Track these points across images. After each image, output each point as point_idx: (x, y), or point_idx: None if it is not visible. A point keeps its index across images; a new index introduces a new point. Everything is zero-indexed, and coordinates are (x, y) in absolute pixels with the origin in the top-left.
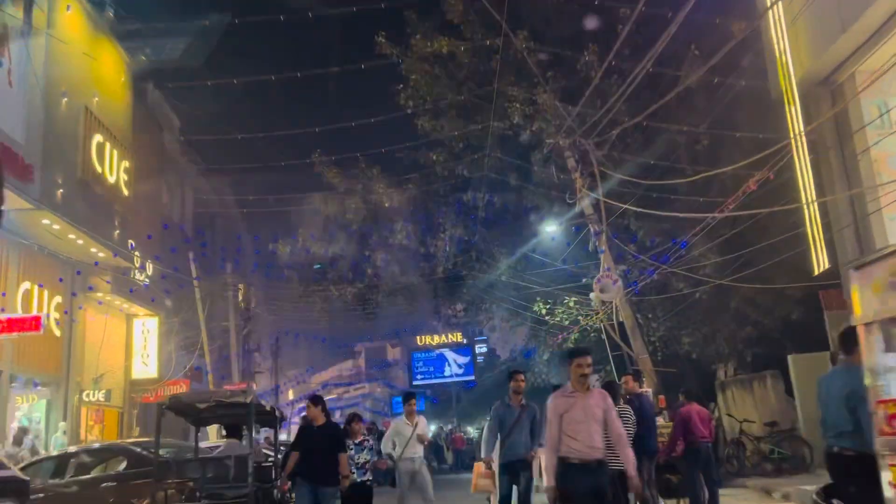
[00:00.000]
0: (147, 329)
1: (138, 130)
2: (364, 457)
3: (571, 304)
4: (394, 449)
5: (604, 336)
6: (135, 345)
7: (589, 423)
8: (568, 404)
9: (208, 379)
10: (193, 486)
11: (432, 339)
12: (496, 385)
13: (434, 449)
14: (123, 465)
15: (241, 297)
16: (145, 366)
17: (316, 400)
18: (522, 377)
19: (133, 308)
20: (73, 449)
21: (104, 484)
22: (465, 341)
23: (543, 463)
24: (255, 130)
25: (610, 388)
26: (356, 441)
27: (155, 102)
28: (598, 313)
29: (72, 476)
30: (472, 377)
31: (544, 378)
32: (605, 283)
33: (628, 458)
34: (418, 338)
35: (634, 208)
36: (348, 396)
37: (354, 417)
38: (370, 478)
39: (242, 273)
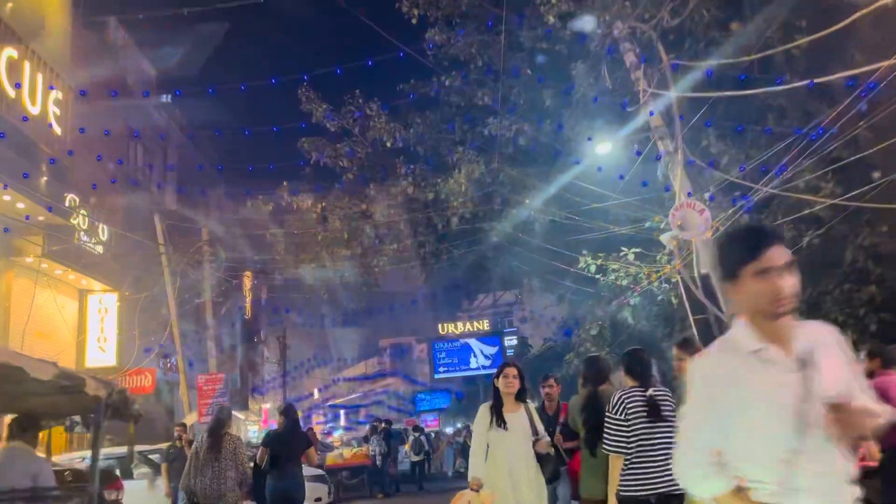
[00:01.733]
0: (104, 307)
1: (92, 67)
2: None
3: (631, 256)
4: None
5: (673, 298)
6: (89, 326)
7: None
8: None
9: (178, 368)
10: None
11: (456, 328)
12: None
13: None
14: None
15: (248, 287)
16: (102, 352)
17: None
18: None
19: (88, 282)
20: None
21: None
22: (491, 330)
23: None
24: (236, 78)
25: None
26: None
27: (122, 45)
28: (671, 263)
29: None
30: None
31: None
32: (687, 215)
33: None
34: (440, 326)
35: (719, 94)
36: (373, 394)
37: None
38: None
39: (216, 237)
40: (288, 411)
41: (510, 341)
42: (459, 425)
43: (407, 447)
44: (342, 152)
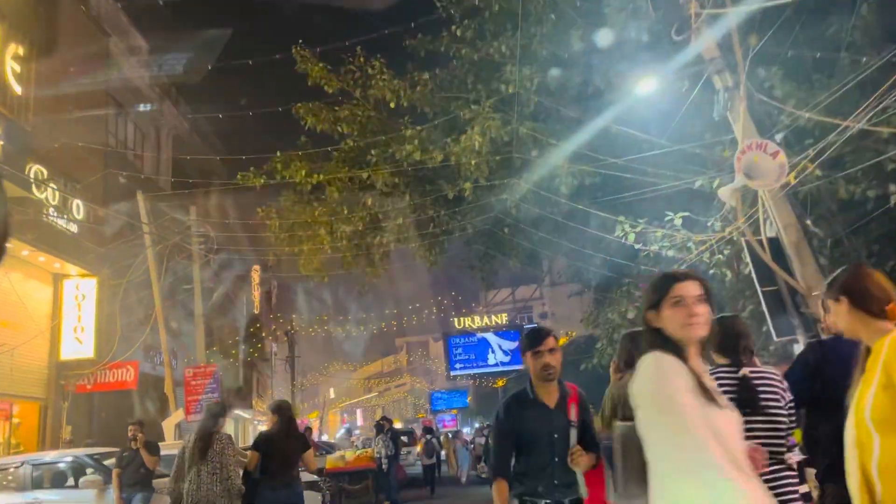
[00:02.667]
0: (82, 293)
1: (68, 28)
2: None
3: (678, 221)
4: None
5: (727, 272)
6: (64, 314)
7: None
8: None
9: (164, 361)
10: None
11: (472, 322)
12: None
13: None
14: None
15: (256, 282)
16: (79, 343)
17: None
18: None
19: (62, 265)
20: None
21: None
22: (510, 324)
23: None
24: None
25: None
26: None
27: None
28: (732, 224)
29: None
30: (521, 365)
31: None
32: (755, 160)
33: None
34: (456, 320)
35: None
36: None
37: None
38: None
39: (204, 215)
40: (281, 409)
41: None
42: (478, 424)
43: (419, 448)
44: (341, 116)
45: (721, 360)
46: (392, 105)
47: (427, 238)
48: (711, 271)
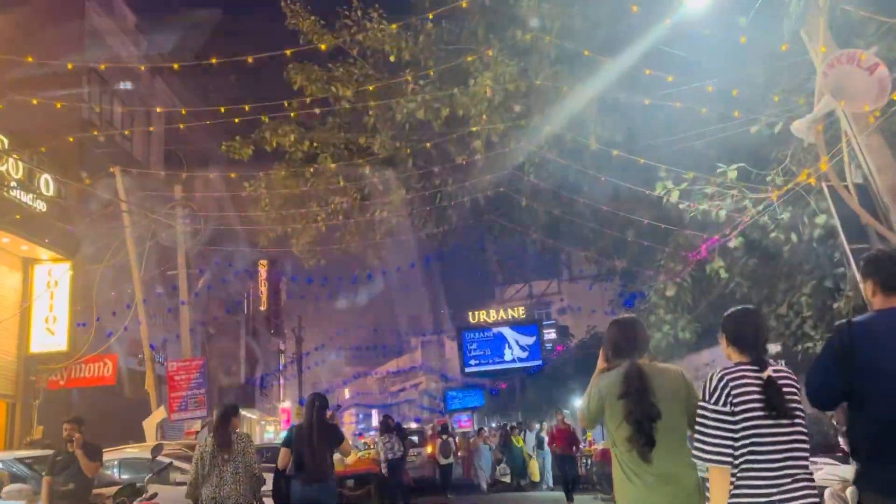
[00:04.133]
0: (54, 279)
1: None
2: None
3: (732, 174)
4: None
5: (788, 235)
6: (35, 302)
7: None
8: None
9: (144, 354)
10: None
11: (488, 316)
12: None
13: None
14: None
15: (263, 277)
16: (50, 334)
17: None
18: None
19: (31, 248)
20: None
21: None
22: (528, 318)
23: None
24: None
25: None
26: None
27: None
28: (814, 167)
29: None
30: (540, 361)
31: (668, 333)
32: (846, 75)
33: None
34: (470, 314)
35: None
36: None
37: None
38: None
39: (191, 189)
40: (311, 401)
41: (549, 334)
42: (494, 424)
43: (430, 449)
44: (336, 75)
45: (739, 358)
46: (392, 58)
47: (433, 209)
48: (773, 234)
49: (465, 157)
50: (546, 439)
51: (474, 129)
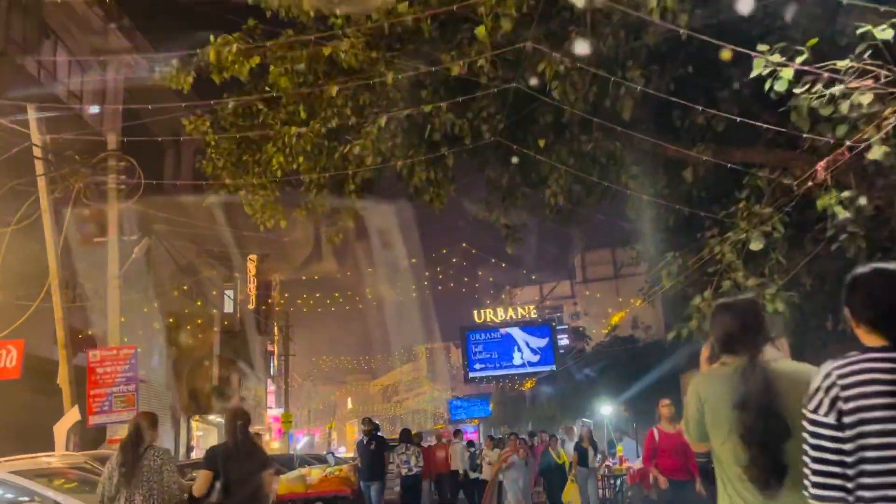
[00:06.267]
0: None
1: None
2: None
3: (887, 34)
4: None
5: None
6: None
7: None
8: None
9: (58, 340)
10: None
11: (495, 315)
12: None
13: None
14: None
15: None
16: None
17: None
18: None
19: None
20: None
21: None
22: (540, 319)
23: None
24: None
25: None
26: None
27: None
28: None
29: None
30: (553, 366)
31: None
32: None
33: None
34: (476, 312)
35: None
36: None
37: None
38: None
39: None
40: (231, 417)
41: (562, 340)
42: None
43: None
44: None
45: (875, 340)
46: None
47: (424, 146)
48: None
49: (463, 68)
50: (591, 452)
51: (479, 30)
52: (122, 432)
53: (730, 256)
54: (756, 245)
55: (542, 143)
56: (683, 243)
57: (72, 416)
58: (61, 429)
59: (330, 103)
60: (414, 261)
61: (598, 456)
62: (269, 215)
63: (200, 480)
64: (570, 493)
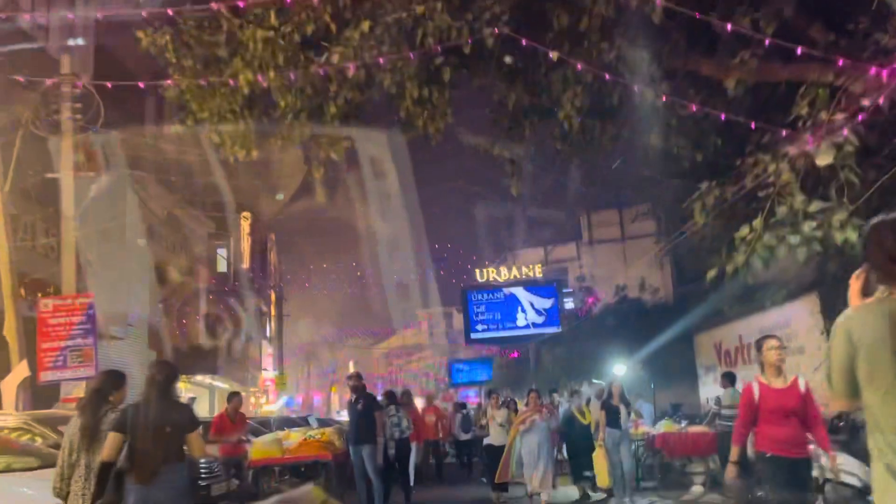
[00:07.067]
0: None
1: None
2: None
3: None
4: None
5: None
6: None
7: None
8: None
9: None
10: None
11: (498, 275)
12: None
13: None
14: None
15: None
16: None
17: None
18: None
19: None
20: None
21: None
22: (545, 279)
23: None
24: None
25: None
26: None
27: None
28: None
29: None
30: (558, 327)
31: (811, 235)
32: None
33: None
34: (478, 271)
35: None
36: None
37: None
38: None
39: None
40: (159, 369)
41: (567, 303)
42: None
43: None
44: None
45: None
46: None
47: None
48: None
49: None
50: (623, 411)
51: None
52: (78, 391)
53: (787, 176)
54: (824, 158)
55: (555, 56)
56: (723, 170)
57: (20, 371)
58: (9, 386)
59: (303, 4)
60: (411, 196)
61: (632, 415)
62: (241, 144)
63: (108, 444)
64: (599, 461)
